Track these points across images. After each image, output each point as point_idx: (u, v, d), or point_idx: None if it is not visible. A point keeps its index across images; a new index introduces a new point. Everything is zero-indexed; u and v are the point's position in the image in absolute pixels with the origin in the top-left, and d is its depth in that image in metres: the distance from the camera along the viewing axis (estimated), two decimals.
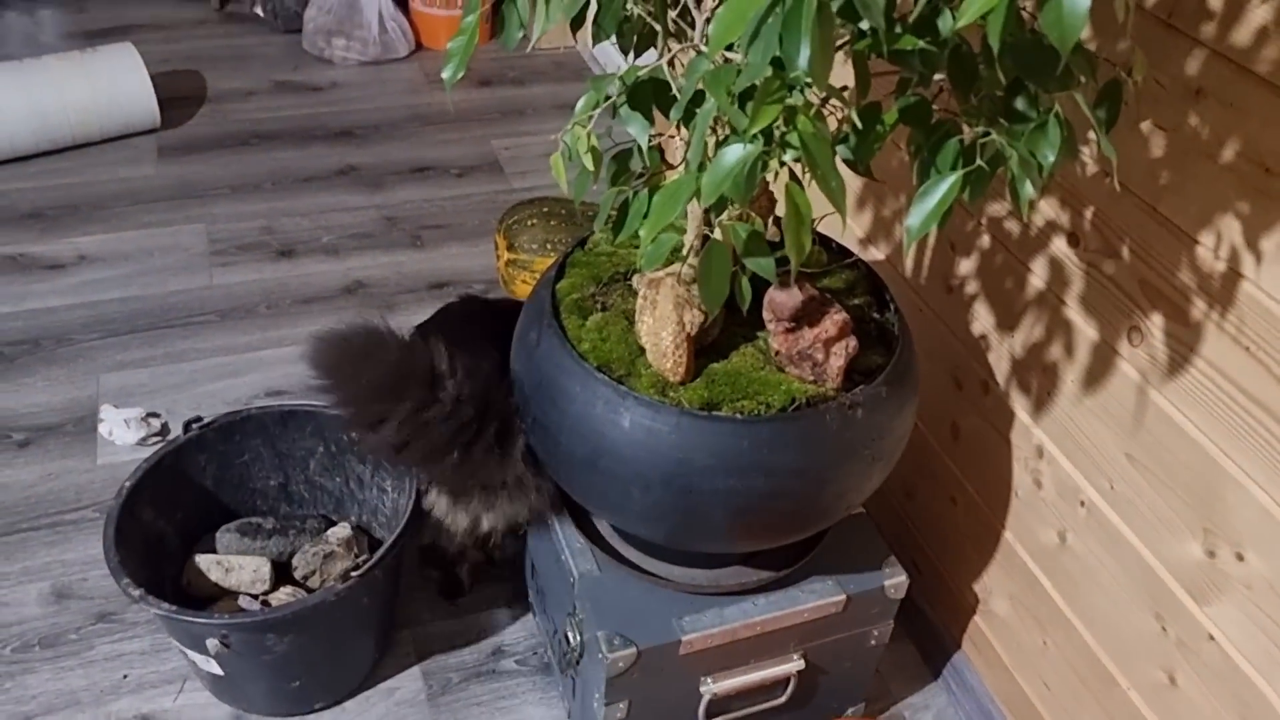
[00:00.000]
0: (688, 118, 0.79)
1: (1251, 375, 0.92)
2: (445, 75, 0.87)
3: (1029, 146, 0.75)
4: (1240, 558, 0.96)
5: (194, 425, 1.36)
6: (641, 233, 0.87)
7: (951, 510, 1.37)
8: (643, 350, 1.01)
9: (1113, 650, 1.14)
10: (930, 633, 1.45)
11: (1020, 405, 1.21)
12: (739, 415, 0.96)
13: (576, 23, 0.88)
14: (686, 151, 0.78)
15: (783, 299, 0.99)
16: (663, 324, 0.97)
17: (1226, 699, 1.00)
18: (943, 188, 0.76)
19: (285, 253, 2.10)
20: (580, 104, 0.86)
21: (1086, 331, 1.10)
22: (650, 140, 0.87)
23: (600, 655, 1.10)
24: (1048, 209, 1.13)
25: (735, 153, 0.72)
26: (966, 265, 1.27)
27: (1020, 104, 0.76)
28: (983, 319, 1.25)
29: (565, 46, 2.97)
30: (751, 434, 0.96)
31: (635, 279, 1.08)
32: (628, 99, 0.85)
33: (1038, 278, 1.16)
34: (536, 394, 1.05)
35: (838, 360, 0.97)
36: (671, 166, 0.93)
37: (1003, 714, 1.34)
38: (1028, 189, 0.76)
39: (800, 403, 0.97)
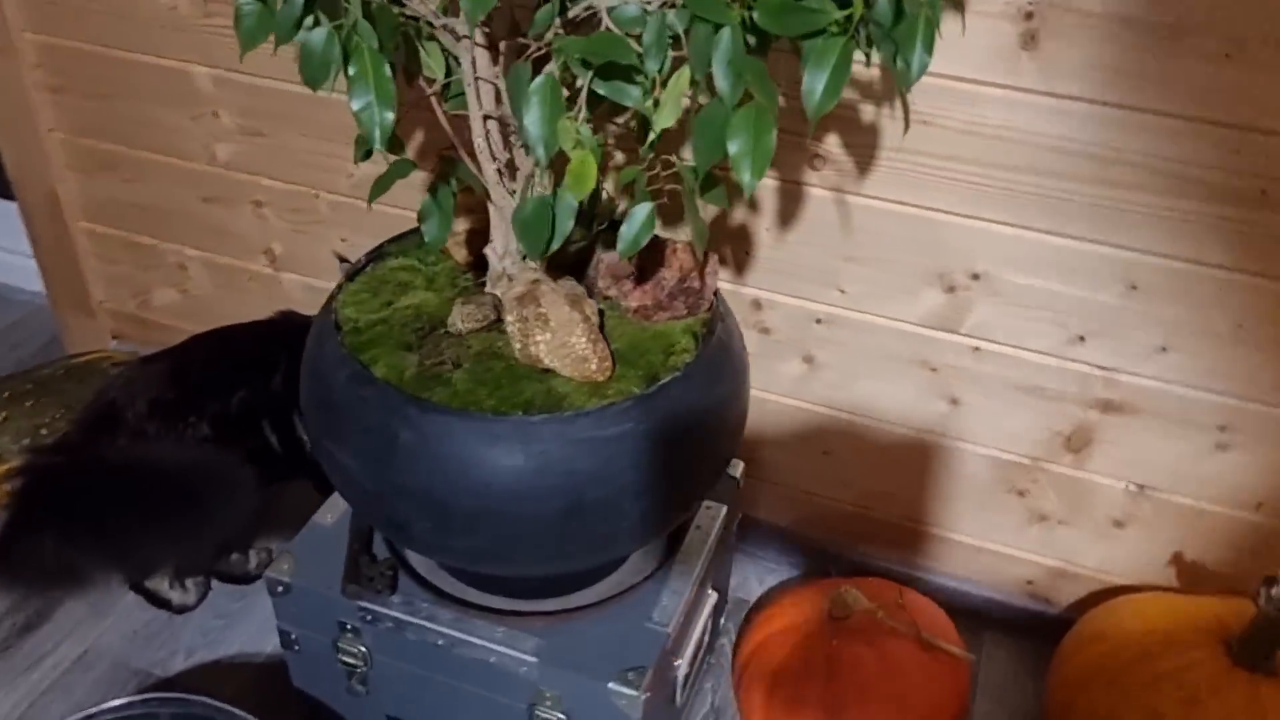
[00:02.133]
0: None
1: (933, 138, 1.14)
2: None
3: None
4: (975, 276, 1.21)
5: None
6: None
7: None
8: (542, 372, 0.90)
9: (896, 416, 1.34)
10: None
11: (722, 278, 1.32)
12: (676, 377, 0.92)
13: None
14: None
15: (612, 255, 0.96)
16: (567, 329, 0.88)
17: (1003, 389, 1.26)
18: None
19: None
20: None
21: (768, 183, 1.24)
22: None
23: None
24: None
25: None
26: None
27: None
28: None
29: None
30: (692, 389, 0.93)
31: (509, 289, 0.94)
32: None
33: None
34: (424, 477, 0.88)
35: (712, 279, 0.97)
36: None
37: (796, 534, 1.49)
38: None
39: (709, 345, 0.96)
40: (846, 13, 0.62)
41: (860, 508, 1.43)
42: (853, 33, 0.62)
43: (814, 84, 0.64)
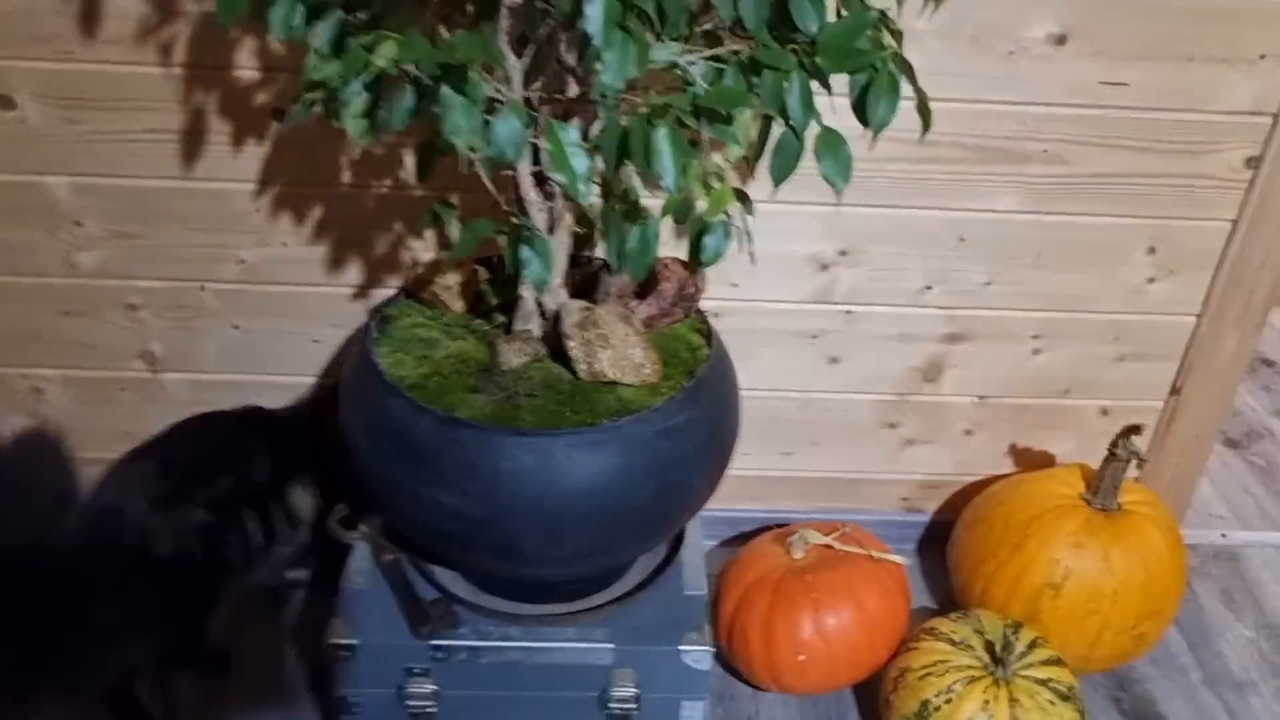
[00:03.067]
0: None
1: None
2: None
3: None
4: (843, 253, 1.47)
5: None
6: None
7: None
8: (607, 384, 1.04)
9: (789, 384, 1.57)
10: None
11: None
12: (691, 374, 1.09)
13: None
14: None
15: (621, 279, 1.11)
16: (627, 343, 1.02)
17: (872, 341, 1.53)
18: None
19: None
20: None
21: None
22: None
23: None
24: None
25: None
26: None
27: None
28: None
29: None
30: (718, 372, 1.10)
31: (567, 319, 1.06)
32: None
33: None
34: (534, 496, 0.99)
35: (703, 281, 1.15)
36: None
37: None
38: None
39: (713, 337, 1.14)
40: (891, 50, 0.83)
41: (770, 469, 1.65)
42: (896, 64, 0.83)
43: (877, 104, 0.84)
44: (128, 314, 1.50)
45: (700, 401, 1.06)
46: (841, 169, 0.84)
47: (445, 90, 0.79)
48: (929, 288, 1.50)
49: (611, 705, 1.18)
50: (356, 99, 0.91)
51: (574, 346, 1.03)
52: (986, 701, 1.27)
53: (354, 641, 1.13)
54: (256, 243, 1.44)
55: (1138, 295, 1.51)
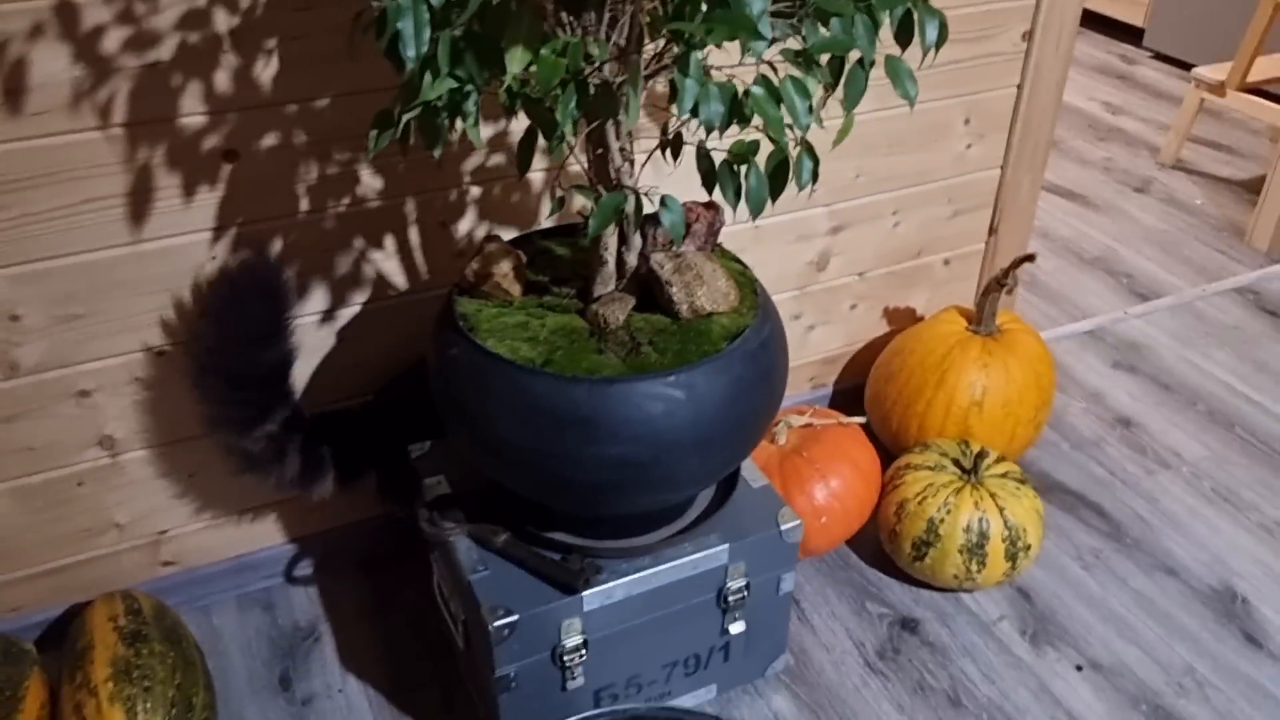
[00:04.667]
0: None
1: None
2: None
3: None
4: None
5: None
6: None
7: None
8: (703, 316, 1.18)
9: None
10: None
11: None
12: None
13: None
14: None
15: (662, 228, 1.25)
16: (715, 277, 1.17)
17: (780, 246, 1.76)
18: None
19: None
20: None
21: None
22: None
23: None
24: None
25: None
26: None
27: None
28: None
29: None
30: (765, 291, 1.28)
31: (663, 267, 1.18)
32: None
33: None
34: (696, 422, 1.13)
35: (724, 216, 1.31)
36: None
37: None
38: None
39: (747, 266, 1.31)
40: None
41: None
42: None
43: (924, 29, 1.04)
44: (79, 402, 1.40)
45: (770, 311, 1.23)
46: (913, 85, 1.04)
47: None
48: (815, 188, 1.74)
49: (730, 598, 1.34)
50: (473, 110, 0.98)
51: (675, 290, 1.16)
52: (976, 502, 1.56)
53: (514, 617, 1.21)
54: None
55: (960, 160, 1.85)
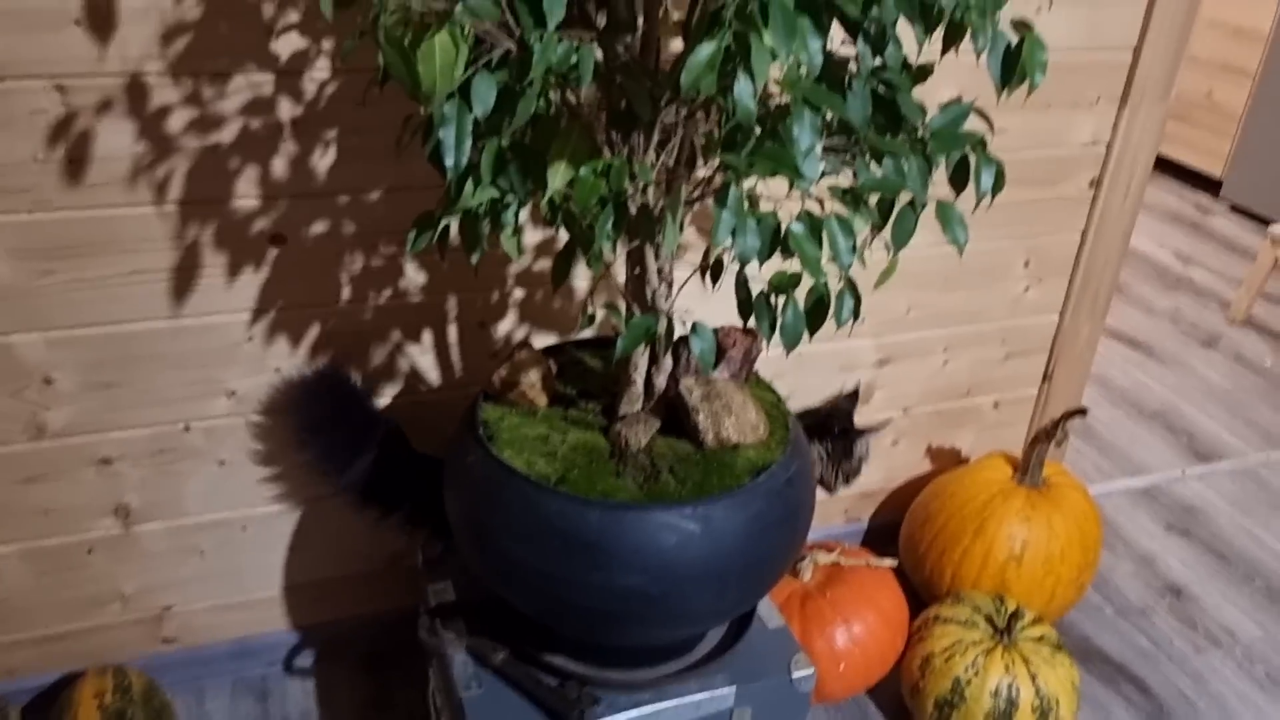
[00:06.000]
0: None
1: None
2: None
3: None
4: None
5: None
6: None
7: None
8: (729, 447, 1.14)
9: None
10: None
11: None
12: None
13: None
14: None
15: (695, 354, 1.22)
16: (745, 408, 1.13)
17: (825, 373, 1.72)
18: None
19: None
20: None
21: None
22: None
23: None
24: None
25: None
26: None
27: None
28: None
29: None
30: (797, 423, 1.24)
31: (691, 394, 1.15)
32: None
33: None
34: (712, 555, 1.08)
35: (761, 345, 1.28)
36: None
37: None
38: None
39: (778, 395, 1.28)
40: (983, 133, 1.01)
41: None
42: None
43: (980, 175, 1.01)
44: (100, 469, 1.40)
45: (799, 447, 1.19)
46: (963, 231, 1.01)
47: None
48: (862, 320, 1.71)
49: None
50: (512, 221, 0.97)
51: (701, 418, 1.12)
52: (1007, 666, 1.48)
53: None
54: (248, 372, 1.40)
55: (1016, 303, 1.81)
